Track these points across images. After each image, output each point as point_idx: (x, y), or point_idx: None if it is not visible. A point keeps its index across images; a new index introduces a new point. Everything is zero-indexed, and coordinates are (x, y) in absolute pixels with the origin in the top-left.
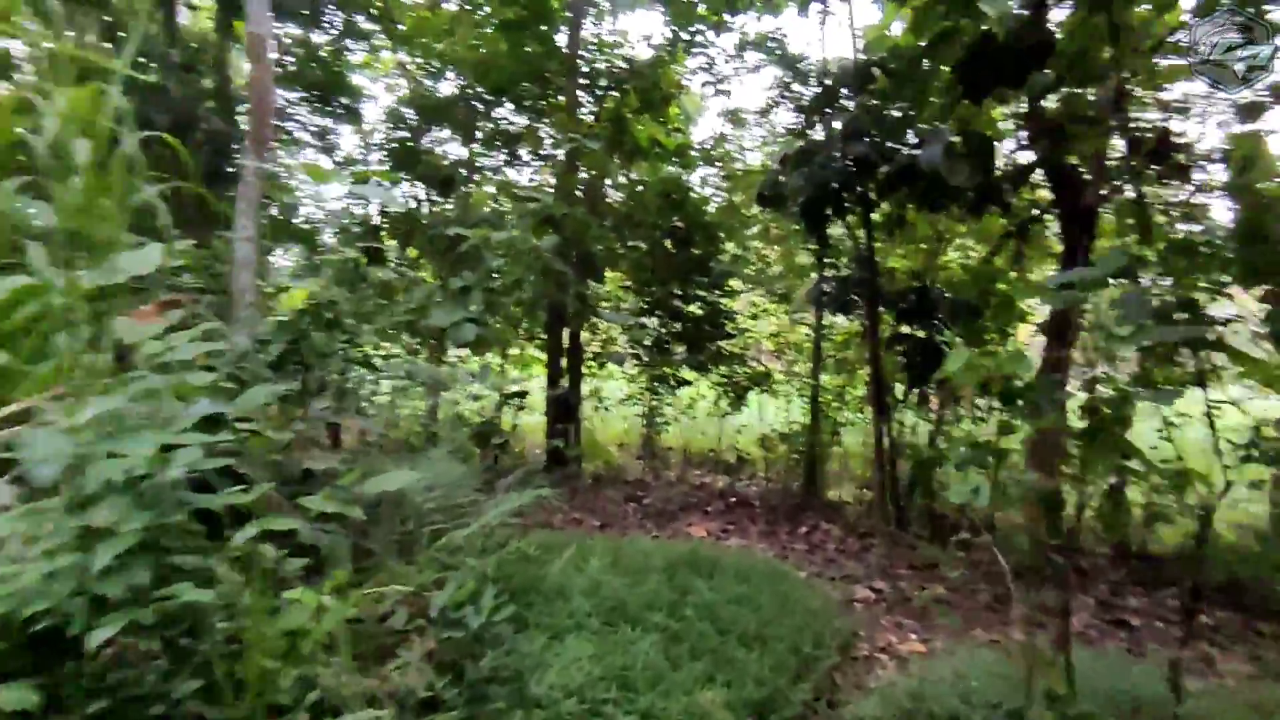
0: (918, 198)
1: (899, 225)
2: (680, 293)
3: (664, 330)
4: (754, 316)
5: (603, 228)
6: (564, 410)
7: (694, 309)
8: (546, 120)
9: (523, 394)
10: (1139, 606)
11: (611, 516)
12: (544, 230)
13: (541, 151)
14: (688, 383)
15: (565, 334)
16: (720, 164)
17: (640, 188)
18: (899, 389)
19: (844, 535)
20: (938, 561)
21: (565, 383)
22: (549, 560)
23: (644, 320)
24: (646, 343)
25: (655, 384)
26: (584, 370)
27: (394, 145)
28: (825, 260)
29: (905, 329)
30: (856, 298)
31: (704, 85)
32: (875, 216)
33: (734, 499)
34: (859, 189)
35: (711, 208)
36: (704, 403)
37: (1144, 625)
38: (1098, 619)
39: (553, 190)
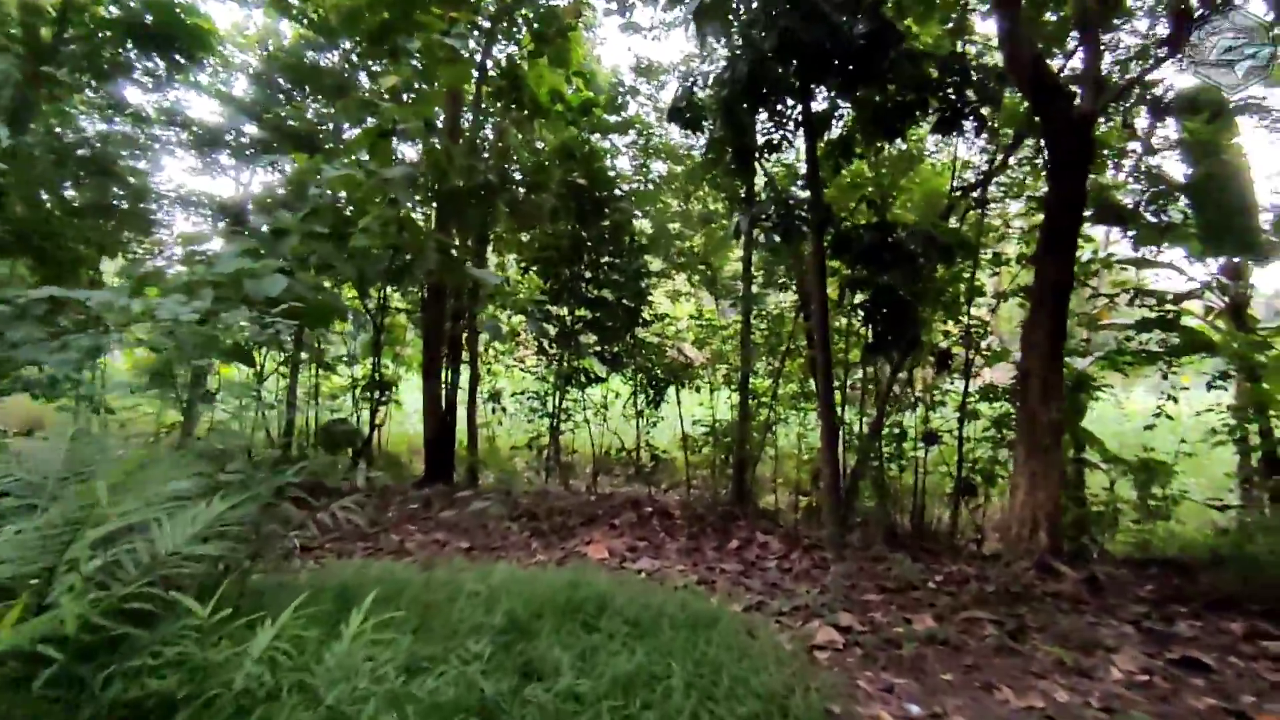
0: (862, 105)
1: (844, 152)
2: (590, 276)
3: (572, 318)
4: (674, 299)
5: (488, 190)
6: (449, 410)
7: (606, 294)
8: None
9: (385, 387)
10: (1196, 636)
11: (489, 536)
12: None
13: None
14: (600, 379)
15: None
16: (636, 131)
17: (540, 145)
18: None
19: (786, 549)
20: (915, 582)
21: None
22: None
23: (549, 307)
24: (552, 333)
25: (562, 381)
26: (483, 366)
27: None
28: (753, 193)
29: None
30: (801, 224)
31: (606, 13)
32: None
33: (650, 509)
34: (794, 81)
35: (627, 184)
36: (619, 401)
37: (1219, 663)
38: (1153, 655)
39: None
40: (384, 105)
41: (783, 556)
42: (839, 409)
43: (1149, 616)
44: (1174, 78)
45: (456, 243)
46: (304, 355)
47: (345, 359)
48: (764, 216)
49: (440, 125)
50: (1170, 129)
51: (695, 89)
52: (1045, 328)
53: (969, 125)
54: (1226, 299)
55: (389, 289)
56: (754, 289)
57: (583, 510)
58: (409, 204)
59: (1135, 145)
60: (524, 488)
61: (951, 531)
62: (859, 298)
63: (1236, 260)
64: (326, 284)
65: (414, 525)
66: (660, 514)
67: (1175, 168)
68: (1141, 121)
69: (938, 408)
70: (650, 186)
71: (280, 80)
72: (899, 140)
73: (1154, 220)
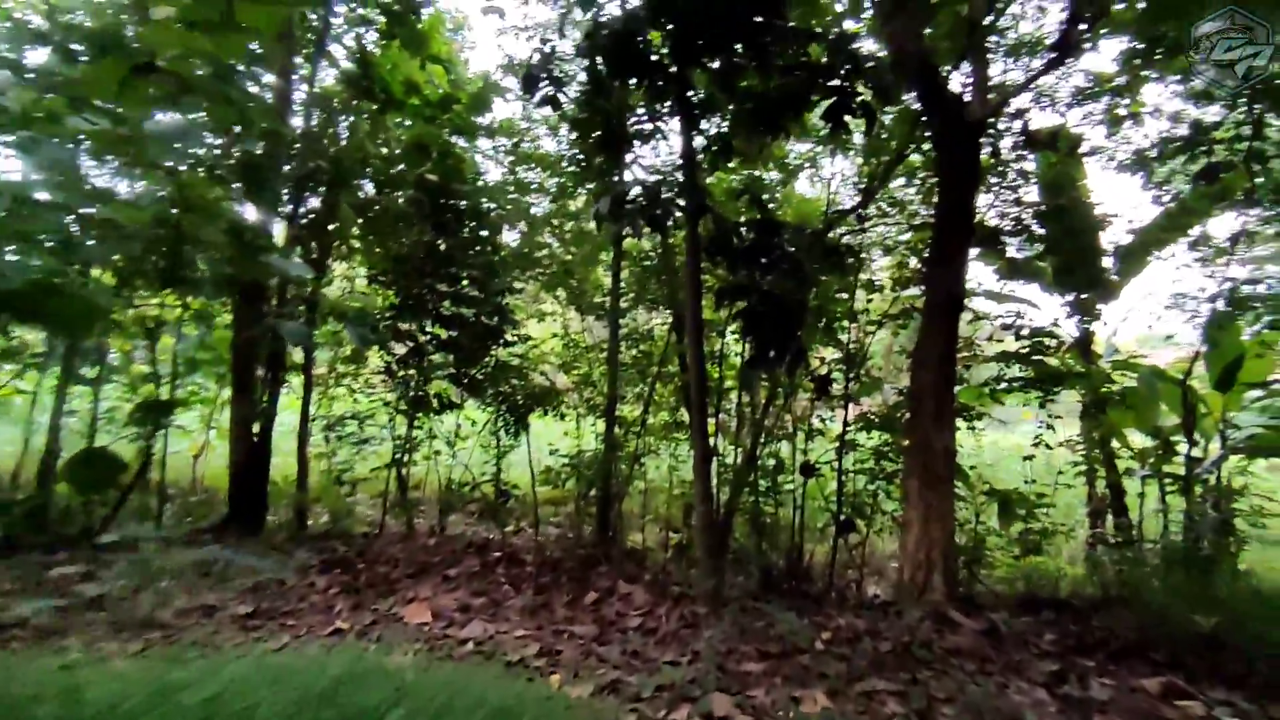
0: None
1: (724, 150)
2: (446, 290)
3: (426, 337)
4: (539, 318)
5: (330, 183)
6: (262, 437)
7: (464, 311)
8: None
9: (164, 408)
10: (1112, 697)
11: (284, 597)
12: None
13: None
14: (454, 405)
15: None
16: (505, 137)
17: (382, 141)
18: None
19: (653, 602)
20: (800, 644)
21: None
22: None
23: (401, 324)
24: (399, 351)
25: (410, 407)
26: (318, 389)
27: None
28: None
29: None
30: (676, 208)
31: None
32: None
33: (498, 555)
34: (668, 55)
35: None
36: (472, 430)
37: None
38: None
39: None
40: (143, 32)
41: (648, 612)
42: (712, 437)
43: (1062, 678)
44: (1034, 114)
45: (258, 228)
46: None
47: (151, 377)
48: (630, 200)
49: (268, 100)
50: (1030, 162)
51: (553, 54)
52: (937, 347)
53: (856, 123)
54: (1077, 333)
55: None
56: (623, 305)
57: (416, 558)
58: (188, 170)
59: (1001, 174)
60: (358, 529)
61: (830, 573)
62: (737, 306)
63: (1085, 295)
64: (78, 274)
65: (187, 585)
66: (508, 560)
67: (1033, 200)
68: (1007, 152)
69: (814, 437)
70: (516, 195)
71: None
72: (782, 138)
73: (1015, 252)
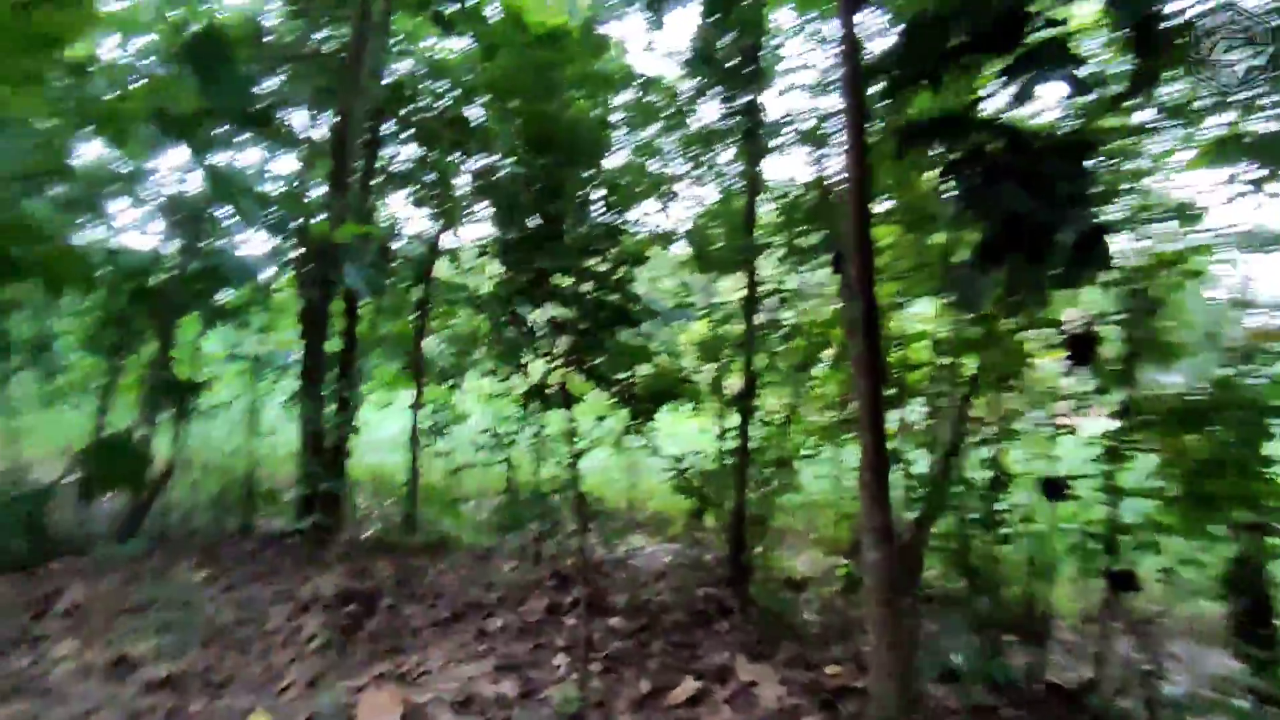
0: None
1: None
2: (566, 265)
3: (538, 317)
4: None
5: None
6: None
7: (589, 289)
8: None
9: (191, 388)
10: None
11: (243, 644)
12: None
13: None
14: (574, 399)
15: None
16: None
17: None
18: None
19: (790, 709)
20: None
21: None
22: None
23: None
24: (510, 335)
25: (538, 405)
26: (423, 384)
27: None
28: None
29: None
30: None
31: None
32: None
33: (569, 597)
34: None
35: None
36: (598, 428)
37: None
38: None
39: None
40: None
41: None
42: (892, 440)
43: None
44: None
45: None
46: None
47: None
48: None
49: None
50: None
51: None
52: None
53: None
54: None
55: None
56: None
57: (464, 593)
58: None
59: None
60: (462, 543)
61: (1098, 657)
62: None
63: None
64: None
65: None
66: (589, 604)
67: None
68: None
69: (1055, 438)
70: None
71: None
72: None
73: None
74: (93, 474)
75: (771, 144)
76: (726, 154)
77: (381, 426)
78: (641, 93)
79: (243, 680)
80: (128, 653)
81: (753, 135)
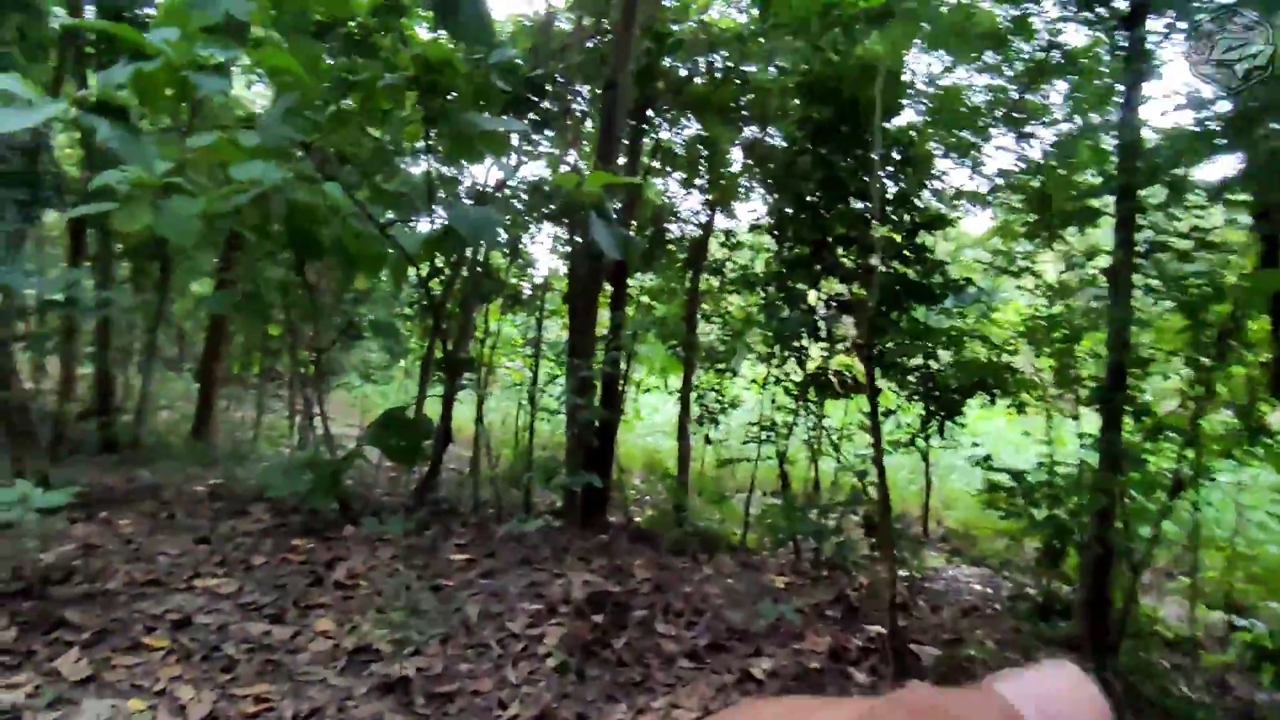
0: None
1: None
2: (848, 234)
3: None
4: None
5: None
6: (608, 401)
7: (871, 260)
8: None
9: (469, 365)
10: None
11: (506, 650)
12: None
13: None
14: (859, 387)
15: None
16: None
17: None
18: None
19: None
20: None
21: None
22: None
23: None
24: (785, 315)
25: (817, 391)
26: (694, 368)
27: None
28: None
29: None
30: None
31: None
32: None
33: (848, 643)
34: None
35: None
36: (886, 424)
37: None
38: None
39: None
40: None
41: None
42: None
43: None
44: None
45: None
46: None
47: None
48: None
49: None
50: None
51: None
52: None
53: None
54: None
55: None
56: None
57: (729, 612)
58: None
59: None
60: (726, 544)
61: None
62: None
63: None
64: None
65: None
66: (898, 655)
67: None
68: None
69: None
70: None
71: None
72: None
73: None
74: (379, 444)
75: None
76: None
77: (659, 410)
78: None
79: (469, 697)
80: (371, 641)
81: (1136, 51)
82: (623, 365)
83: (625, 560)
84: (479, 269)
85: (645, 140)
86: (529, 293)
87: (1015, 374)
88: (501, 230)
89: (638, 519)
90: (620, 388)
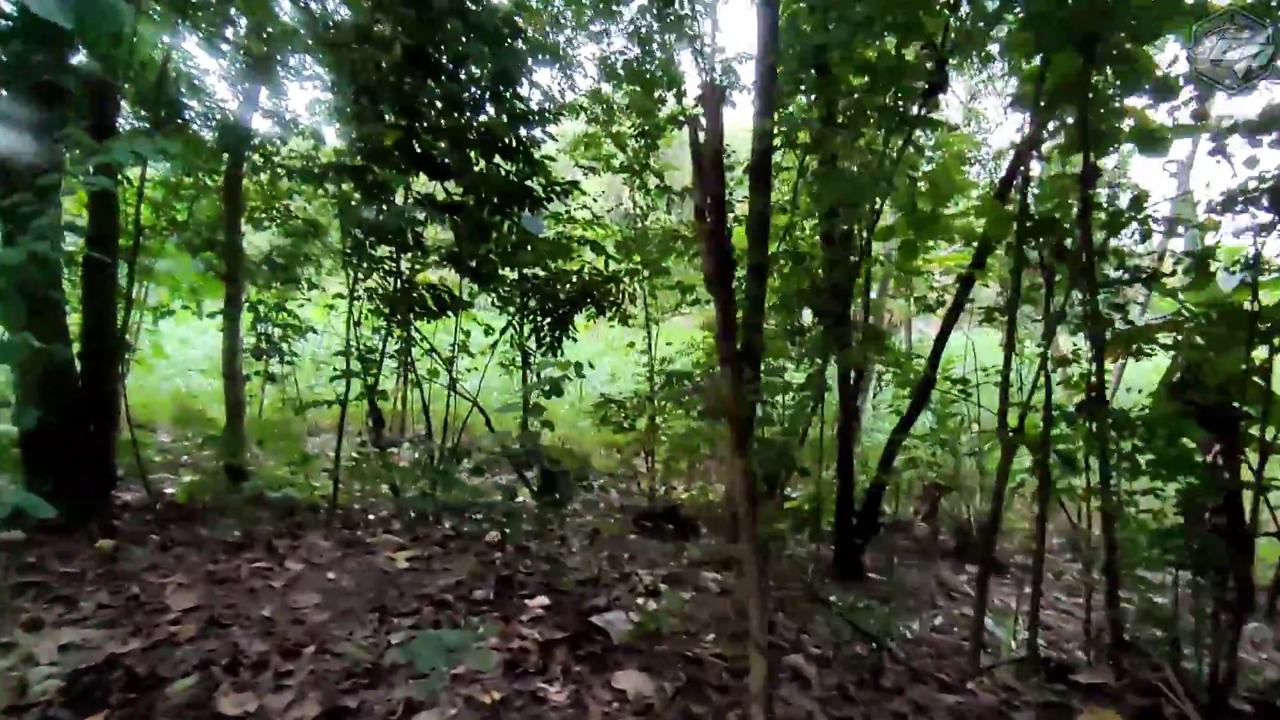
0: None
1: None
2: (443, 125)
3: (413, 199)
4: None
5: None
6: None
7: (471, 154)
8: None
9: None
10: None
11: None
12: None
13: None
14: (460, 303)
15: None
16: None
17: None
18: None
19: None
20: None
21: None
22: None
23: (373, 177)
24: (367, 216)
25: (390, 308)
26: (242, 288)
27: None
28: None
29: None
30: None
31: None
32: None
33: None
34: None
35: None
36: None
37: None
38: None
39: None
40: None
41: None
42: None
43: None
44: None
45: None
46: None
47: None
48: None
49: None
50: None
51: None
52: None
53: None
54: None
55: None
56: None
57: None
58: None
59: None
60: (311, 506)
61: None
62: None
63: None
64: None
65: None
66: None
67: None
68: None
69: None
70: None
71: None
72: None
73: None
74: None
75: None
76: None
77: (193, 344)
78: None
79: None
80: None
81: None
82: (121, 280)
83: (147, 580)
84: None
85: None
86: None
87: (619, 285)
88: None
89: (171, 491)
90: (124, 311)
